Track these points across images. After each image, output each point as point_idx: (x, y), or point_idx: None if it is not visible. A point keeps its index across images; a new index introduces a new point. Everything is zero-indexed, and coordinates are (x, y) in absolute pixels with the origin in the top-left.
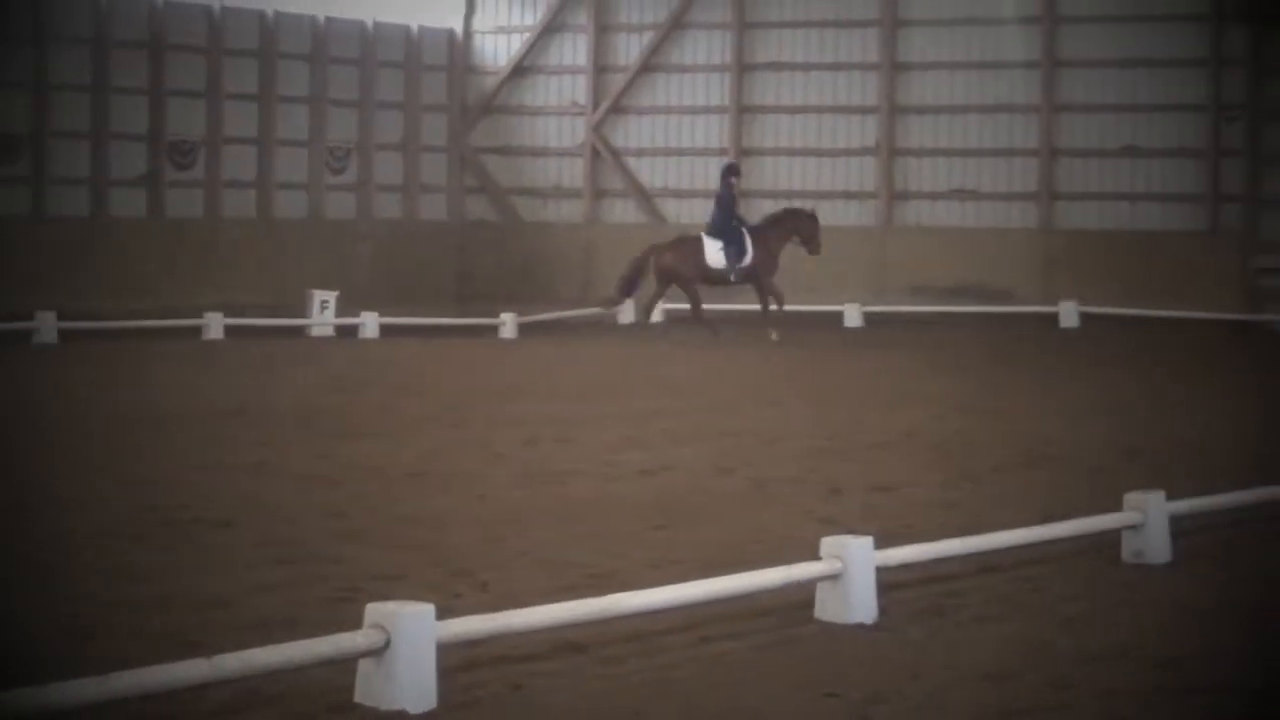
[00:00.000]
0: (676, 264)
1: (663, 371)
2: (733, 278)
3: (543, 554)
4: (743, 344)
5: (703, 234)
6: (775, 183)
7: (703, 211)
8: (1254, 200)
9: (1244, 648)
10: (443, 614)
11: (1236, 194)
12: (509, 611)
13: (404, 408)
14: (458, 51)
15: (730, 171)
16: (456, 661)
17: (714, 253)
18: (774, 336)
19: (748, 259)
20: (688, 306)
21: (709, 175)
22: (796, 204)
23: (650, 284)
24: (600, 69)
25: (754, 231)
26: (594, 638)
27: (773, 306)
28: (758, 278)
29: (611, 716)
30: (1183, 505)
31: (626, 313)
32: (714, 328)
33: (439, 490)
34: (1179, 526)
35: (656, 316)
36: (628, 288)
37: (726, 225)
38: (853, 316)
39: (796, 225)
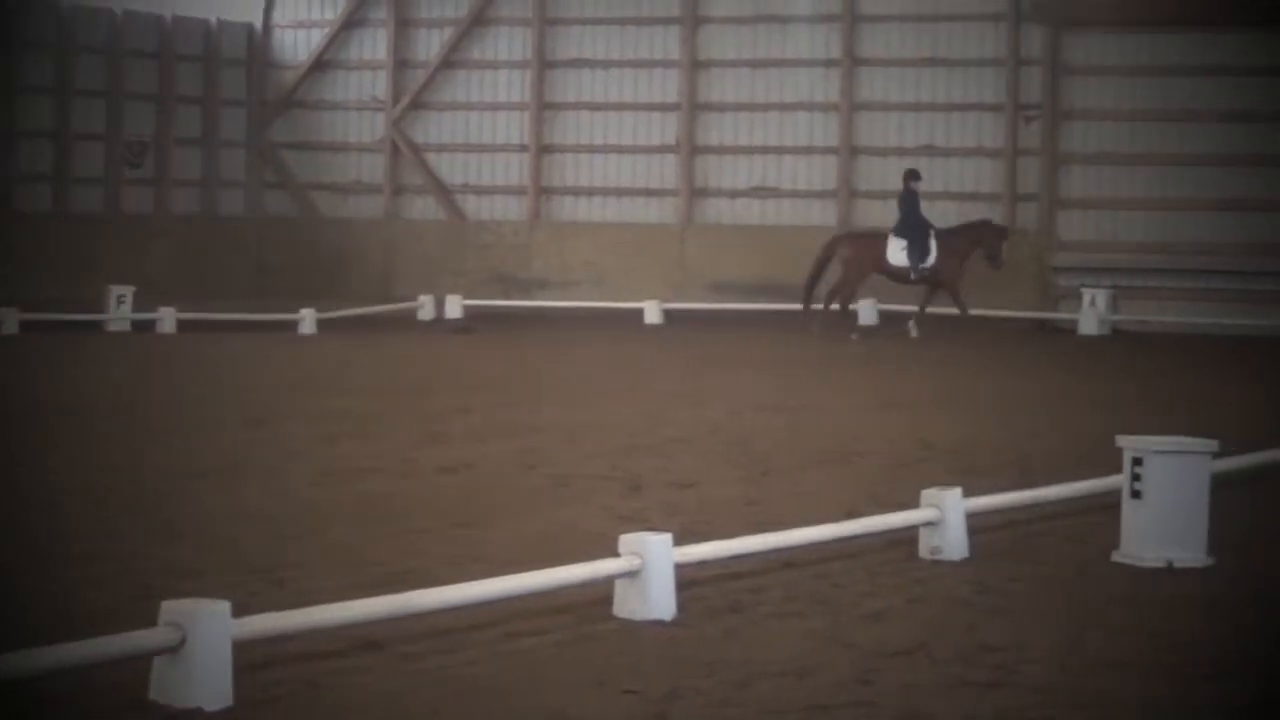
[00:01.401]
0: (858, 254)
1: (465, 368)
2: (913, 276)
3: (341, 551)
4: (544, 343)
5: (890, 232)
6: (576, 179)
7: (503, 207)
8: (1051, 200)
9: (1041, 642)
10: (239, 611)
11: (1033, 193)
12: (306, 609)
13: (200, 404)
14: (257, 46)
15: (912, 176)
16: (254, 659)
17: (896, 251)
18: (913, 333)
19: (930, 260)
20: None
21: (509, 171)
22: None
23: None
24: (401, 64)
25: (941, 235)
26: (392, 635)
27: (955, 311)
28: (937, 280)
29: (408, 715)
30: (980, 502)
31: (426, 309)
32: (819, 323)
33: (235, 487)
34: (976, 523)
35: (853, 306)
36: (812, 283)
37: (910, 226)
38: (653, 313)
39: (983, 235)
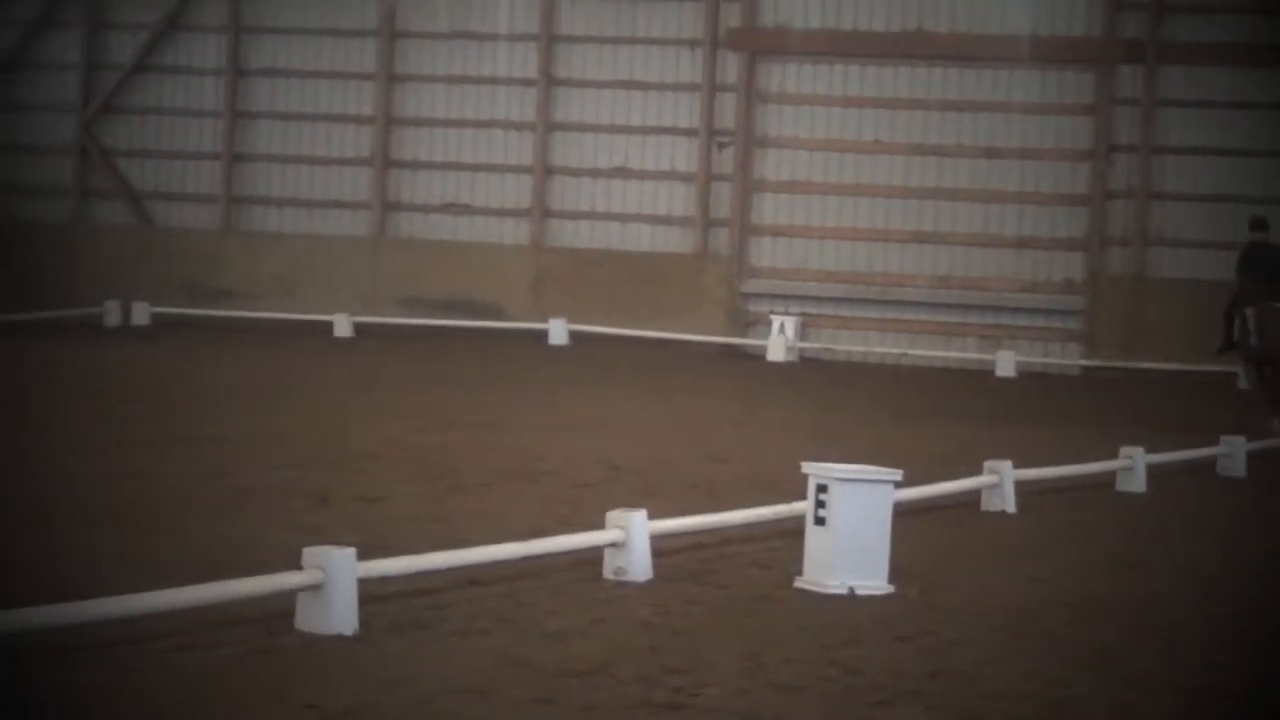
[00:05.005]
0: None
1: (149, 375)
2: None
3: (17, 558)
4: (231, 353)
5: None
6: (268, 189)
7: (194, 215)
8: (743, 225)
9: (722, 664)
10: None
11: (726, 219)
12: None
13: None
14: None
15: (1259, 224)
16: None
17: None
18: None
19: None
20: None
21: (200, 179)
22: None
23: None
24: (93, 67)
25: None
26: (62, 645)
27: None
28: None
29: None
30: (665, 524)
31: (112, 316)
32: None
33: None
34: (661, 545)
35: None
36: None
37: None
38: (342, 326)
39: None
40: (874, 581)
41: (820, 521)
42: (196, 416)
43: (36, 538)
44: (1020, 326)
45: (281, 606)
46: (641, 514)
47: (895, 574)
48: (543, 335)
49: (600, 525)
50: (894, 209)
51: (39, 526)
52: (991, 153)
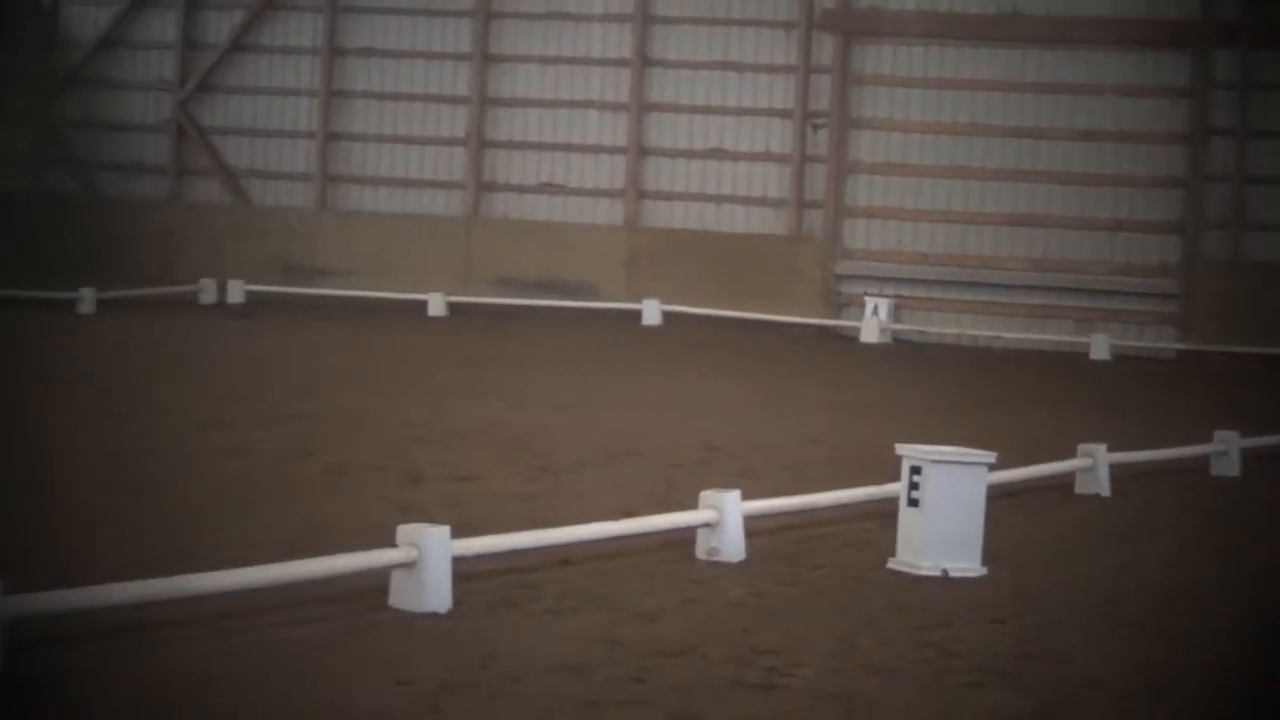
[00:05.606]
0: None
1: (245, 354)
2: None
3: (119, 533)
4: (325, 331)
5: None
6: (363, 169)
7: (289, 194)
8: (837, 207)
9: (814, 645)
10: (9, 589)
11: (820, 200)
12: (79, 589)
13: None
14: (45, 21)
15: None
16: None
17: None
18: None
19: None
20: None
21: (296, 158)
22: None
23: None
24: (190, 46)
25: None
26: (162, 619)
27: None
28: None
29: (173, 700)
30: (758, 505)
31: (208, 293)
32: None
33: (6, 466)
34: (754, 525)
35: None
36: None
37: None
38: (437, 305)
39: None
40: (967, 564)
41: (914, 503)
42: (292, 394)
43: (137, 512)
44: (1115, 310)
45: (376, 583)
46: (735, 494)
47: (988, 556)
48: (636, 316)
49: (693, 505)
50: (989, 191)
51: (140, 502)
52: (1087, 135)
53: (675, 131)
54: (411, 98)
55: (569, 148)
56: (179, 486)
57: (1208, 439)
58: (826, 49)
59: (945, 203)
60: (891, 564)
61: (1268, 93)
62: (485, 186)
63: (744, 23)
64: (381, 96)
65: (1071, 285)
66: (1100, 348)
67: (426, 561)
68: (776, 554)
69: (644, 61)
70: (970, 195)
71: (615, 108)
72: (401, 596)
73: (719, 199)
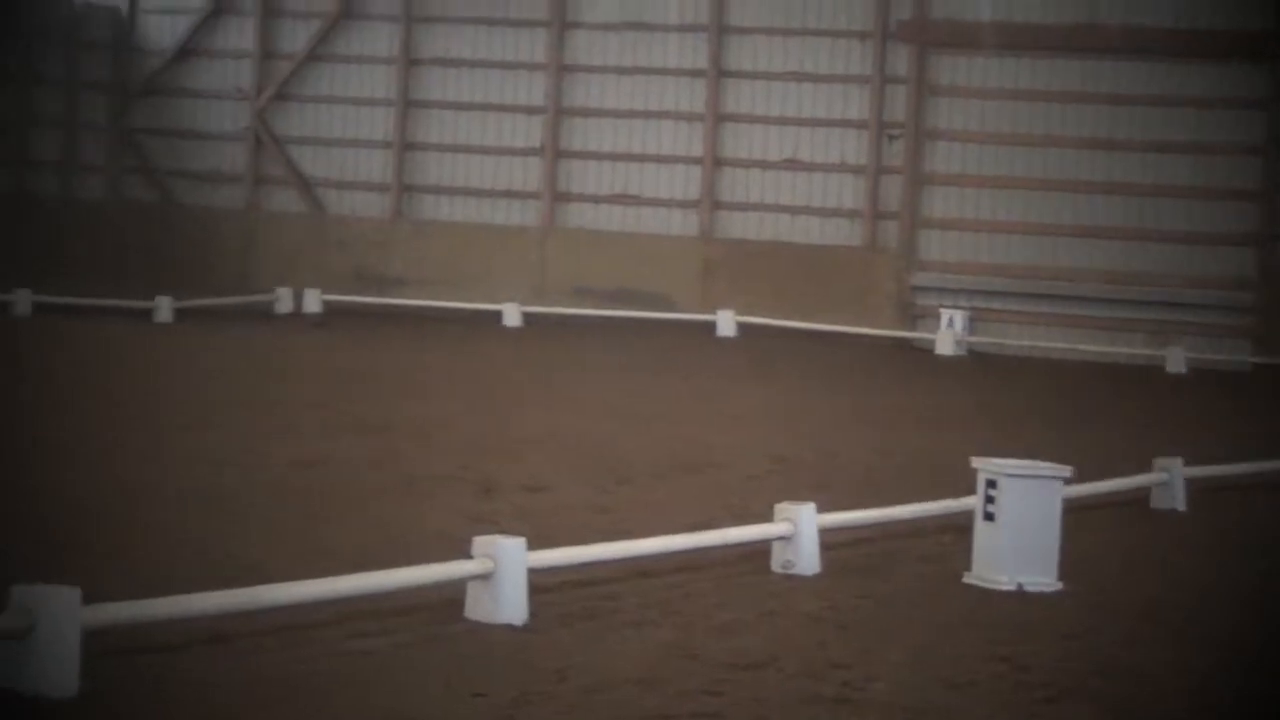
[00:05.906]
0: None
1: (320, 363)
2: None
3: (193, 543)
4: (400, 341)
5: None
6: (439, 179)
7: (364, 203)
8: (913, 219)
9: (889, 659)
10: (87, 599)
11: (895, 211)
12: (155, 599)
13: (49, 387)
14: (122, 30)
15: None
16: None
17: None
18: None
19: None
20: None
21: (372, 168)
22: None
23: None
24: (266, 55)
25: None
26: (237, 630)
27: None
28: None
29: (245, 710)
30: (834, 518)
31: (284, 302)
32: None
33: (86, 474)
34: (829, 539)
35: None
36: None
37: None
38: (512, 315)
39: None
40: (1043, 578)
41: (989, 517)
42: (368, 403)
43: (213, 523)
44: (1190, 322)
45: (451, 595)
46: (810, 507)
47: (1064, 571)
48: (710, 327)
49: (769, 518)
50: (1064, 203)
51: (217, 511)
52: (1161, 147)
53: (750, 142)
54: (486, 108)
55: (643, 158)
56: (253, 496)
57: None
58: (902, 59)
59: (1020, 214)
60: (966, 578)
61: None
62: (560, 197)
63: (819, 33)
64: (457, 106)
65: (1145, 298)
66: (1176, 361)
67: (503, 573)
68: (851, 567)
69: (719, 72)
70: (1045, 207)
71: (690, 118)
72: (478, 608)
73: (794, 210)
